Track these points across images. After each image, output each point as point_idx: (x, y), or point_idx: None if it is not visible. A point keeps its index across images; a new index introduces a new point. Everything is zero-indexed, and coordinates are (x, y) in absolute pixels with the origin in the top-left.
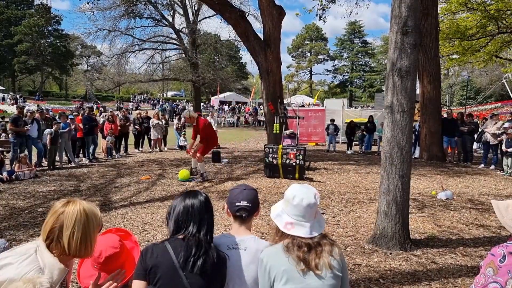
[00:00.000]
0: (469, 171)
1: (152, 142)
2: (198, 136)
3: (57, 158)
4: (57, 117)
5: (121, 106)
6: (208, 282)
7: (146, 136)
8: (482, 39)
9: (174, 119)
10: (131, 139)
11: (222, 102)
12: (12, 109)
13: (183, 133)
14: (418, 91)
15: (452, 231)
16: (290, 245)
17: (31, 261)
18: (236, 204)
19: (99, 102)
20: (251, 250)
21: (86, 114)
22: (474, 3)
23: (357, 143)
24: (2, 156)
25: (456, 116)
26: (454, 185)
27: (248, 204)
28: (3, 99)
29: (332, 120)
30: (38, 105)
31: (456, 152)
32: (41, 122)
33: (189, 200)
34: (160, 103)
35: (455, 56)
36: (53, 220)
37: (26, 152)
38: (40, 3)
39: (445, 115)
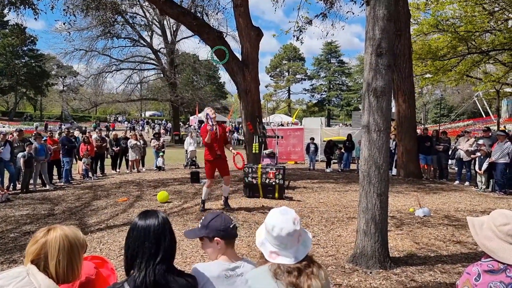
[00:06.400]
0: (445, 187)
1: (130, 163)
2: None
3: (30, 181)
4: (31, 138)
5: (99, 127)
6: None
7: (123, 157)
8: (453, 59)
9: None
10: (108, 160)
11: (201, 122)
12: None
13: (160, 154)
14: (393, 110)
15: (430, 248)
16: (278, 271)
17: (26, 282)
18: (231, 226)
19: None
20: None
21: (64, 135)
22: (445, 25)
23: (335, 161)
24: None
25: (431, 133)
26: (431, 201)
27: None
28: None
29: (312, 139)
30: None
31: (432, 169)
32: (15, 145)
33: (144, 222)
34: (140, 122)
35: (428, 75)
36: (35, 250)
37: None
38: (14, 24)
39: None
